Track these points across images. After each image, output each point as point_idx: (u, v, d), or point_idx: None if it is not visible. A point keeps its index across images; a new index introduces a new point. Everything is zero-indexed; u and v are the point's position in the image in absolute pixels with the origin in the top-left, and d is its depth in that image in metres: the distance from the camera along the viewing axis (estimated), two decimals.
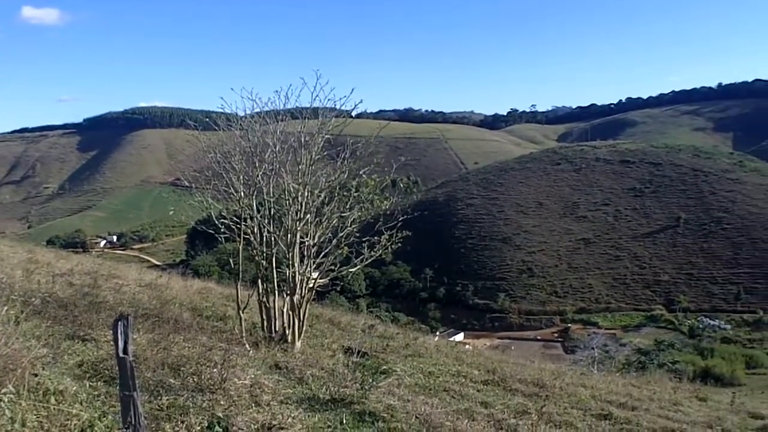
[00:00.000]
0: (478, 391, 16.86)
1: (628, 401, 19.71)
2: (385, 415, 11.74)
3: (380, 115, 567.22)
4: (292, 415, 10.74)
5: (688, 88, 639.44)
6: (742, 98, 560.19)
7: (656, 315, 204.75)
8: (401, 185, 23.80)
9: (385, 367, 14.89)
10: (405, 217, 18.75)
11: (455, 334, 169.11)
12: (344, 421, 11.20)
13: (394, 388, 14.38)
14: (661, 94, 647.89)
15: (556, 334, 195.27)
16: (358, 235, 17.81)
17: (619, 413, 17.23)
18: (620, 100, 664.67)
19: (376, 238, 17.84)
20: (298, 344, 16.87)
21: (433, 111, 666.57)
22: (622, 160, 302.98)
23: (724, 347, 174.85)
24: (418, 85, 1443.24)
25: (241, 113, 18.93)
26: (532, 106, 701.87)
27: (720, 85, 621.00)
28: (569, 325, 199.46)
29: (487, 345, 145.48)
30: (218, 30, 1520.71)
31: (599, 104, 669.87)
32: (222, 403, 10.35)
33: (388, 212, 18.37)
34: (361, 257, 17.90)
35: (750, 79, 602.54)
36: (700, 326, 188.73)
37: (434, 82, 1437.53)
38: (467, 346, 43.70)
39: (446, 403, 14.40)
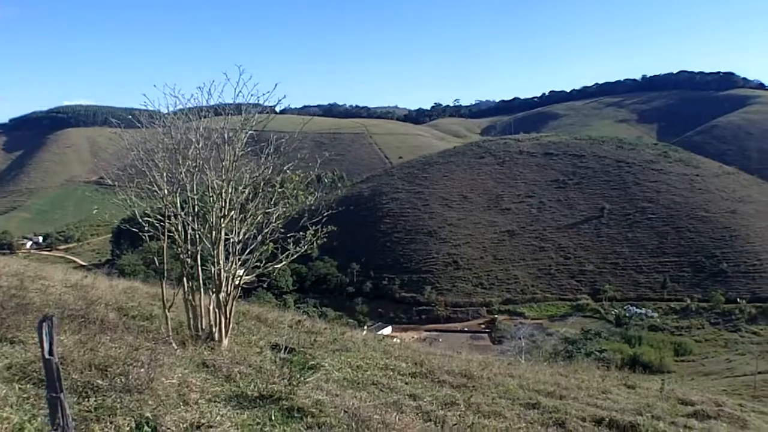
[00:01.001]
0: (406, 383, 16.88)
1: (556, 390, 19.83)
2: (314, 410, 11.73)
3: (305, 110, 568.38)
4: (221, 413, 10.73)
5: (613, 80, 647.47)
6: (667, 89, 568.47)
7: (582, 304, 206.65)
8: (325, 180, 23.81)
9: (312, 362, 14.83)
10: (330, 212, 18.72)
11: (383, 328, 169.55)
12: (273, 418, 11.18)
13: (323, 383, 14.36)
14: (584, 87, 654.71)
15: (483, 326, 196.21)
16: (283, 231, 17.73)
17: (547, 402, 17.35)
18: (543, 94, 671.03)
19: (301, 233, 17.79)
20: (225, 342, 16.75)
21: (357, 106, 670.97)
22: (546, 153, 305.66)
23: (652, 335, 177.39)
24: (343, 80, 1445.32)
25: (164, 110, 18.76)
26: (456, 100, 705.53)
27: (644, 77, 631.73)
28: (496, 316, 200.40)
29: (415, 338, 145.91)
30: (141, 27, 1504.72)
31: (522, 98, 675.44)
32: (150, 402, 10.28)
33: (313, 207, 18.33)
34: (287, 253, 17.82)
35: (675, 71, 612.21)
36: (627, 315, 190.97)
37: (359, 77, 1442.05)
38: (395, 340, 43.69)
39: (375, 396, 14.44)
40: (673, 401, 21.45)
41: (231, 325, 17.32)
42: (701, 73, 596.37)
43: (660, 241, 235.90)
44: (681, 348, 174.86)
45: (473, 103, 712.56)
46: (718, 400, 23.47)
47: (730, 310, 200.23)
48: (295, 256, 18.06)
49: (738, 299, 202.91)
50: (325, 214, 18.42)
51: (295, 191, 17.87)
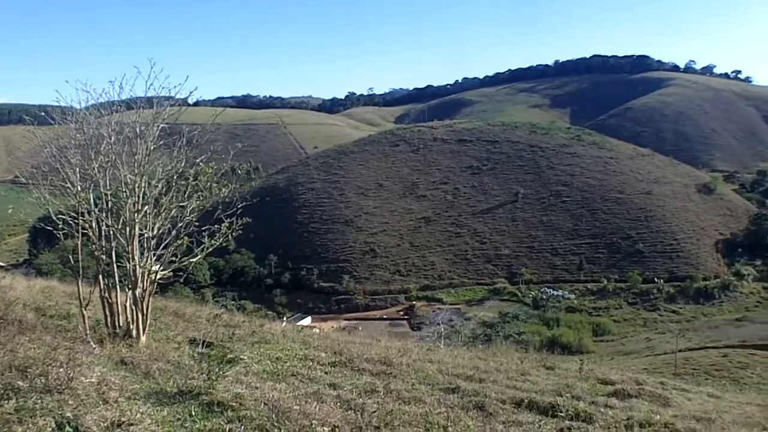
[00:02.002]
0: (326, 373, 17.01)
1: (475, 374, 20.06)
2: (234, 403, 11.76)
3: (218, 102, 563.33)
4: (141, 410, 10.72)
5: (525, 66, 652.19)
6: (580, 74, 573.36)
7: (499, 288, 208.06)
8: (239, 172, 23.72)
9: (231, 355, 14.83)
10: (244, 203, 18.70)
11: (302, 319, 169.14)
12: (193, 413, 11.19)
13: (242, 376, 14.40)
14: (497, 74, 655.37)
15: (401, 312, 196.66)
16: (197, 224, 17.69)
17: (466, 386, 17.55)
18: (457, 81, 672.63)
19: (216, 226, 17.76)
20: (143, 339, 16.68)
21: (271, 97, 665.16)
22: (459, 140, 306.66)
23: (570, 316, 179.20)
24: (257, 71, 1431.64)
25: (77, 106, 18.60)
26: (370, 89, 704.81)
27: (557, 62, 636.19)
28: (414, 302, 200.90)
29: (335, 327, 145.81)
30: (53, 21, 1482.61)
31: (435, 85, 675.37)
32: (70, 402, 10.26)
33: (227, 200, 18.30)
34: (202, 247, 17.77)
35: (588, 55, 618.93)
36: (544, 297, 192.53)
37: (273, 67, 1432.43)
38: (315, 330, 43.77)
39: (294, 387, 14.52)
40: (592, 381, 21.78)
41: (148, 322, 17.25)
42: (614, 56, 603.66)
43: (575, 223, 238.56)
44: (600, 328, 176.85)
45: (387, 91, 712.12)
46: (639, 379, 23.83)
47: (648, 289, 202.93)
48: (211, 249, 18.00)
49: (655, 279, 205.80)
50: (240, 206, 18.39)
51: (208, 184, 17.83)
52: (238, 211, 18.18)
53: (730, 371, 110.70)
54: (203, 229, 17.69)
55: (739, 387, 50.37)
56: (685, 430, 15.80)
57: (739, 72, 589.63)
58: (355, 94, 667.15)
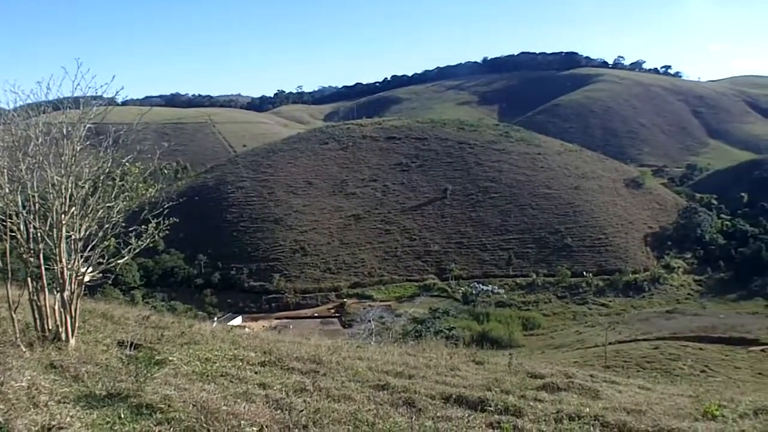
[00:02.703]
0: (255, 373, 17.02)
1: (404, 370, 20.12)
2: (163, 405, 11.78)
3: (147, 101, 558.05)
4: (71, 414, 10.72)
5: (454, 63, 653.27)
6: (508, 71, 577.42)
7: (429, 284, 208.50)
8: (165, 171, 23.62)
9: (159, 357, 14.85)
10: (171, 203, 18.66)
11: (233, 319, 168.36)
12: (122, 416, 11.21)
13: (171, 377, 14.41)
14: (426, 71, 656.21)
15: (332, 310, 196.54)
16: (125, 225, 17.64)
17: (396, 382, 17.64)
18: (385, 79, 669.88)
19: (143, 227, 17.71)
20: (72, 341, 16.59)
21: (200, 95, 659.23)
22: (388, 137, 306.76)
23: (500, 311, 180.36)
24: (186, 69, 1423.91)
25: (4, 106, 18.49)
26: (299, 87, 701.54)
27: (485, 59, 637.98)
28: (345, 300, 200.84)
29: (266, 327, 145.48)
30: None
31: (365, 83, 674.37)
32: (1, 407, 10.22)
33: (154, 200, 18.26)
34: (130, 247, 17.71)
35: (516, 53, 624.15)
36: (474, 292, 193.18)
37: (202, 66, 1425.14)
38: (246, 330, 43.62)
39: (224, 387, 14.56)
40: (522, 375, 21.77)
41: (77, 324, 17.15)
42: (543, 53, 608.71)
43: (503, 219, 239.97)
44: (529, 322, 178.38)
45: (316, 89, 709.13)
46: (568, 372, 23.87)
47: (577, 283, 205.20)
48: (138, 250, 17.95)
49: (584, 273, 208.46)
50: (167, 206, 18.37)
51: (135, 184, 17.77)
52: (165, 211, 18.14)
53: (661, 363, 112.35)
54: (130, 230, 17.63)
55: (670, 379, 50.64)
56: (615, 422, 15.89)
57: (669, 67, 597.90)
58: (284, 92, 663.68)
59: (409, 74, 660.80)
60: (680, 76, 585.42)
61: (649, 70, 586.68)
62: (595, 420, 15.86)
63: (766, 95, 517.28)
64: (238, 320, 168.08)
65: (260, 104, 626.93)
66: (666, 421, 16.34)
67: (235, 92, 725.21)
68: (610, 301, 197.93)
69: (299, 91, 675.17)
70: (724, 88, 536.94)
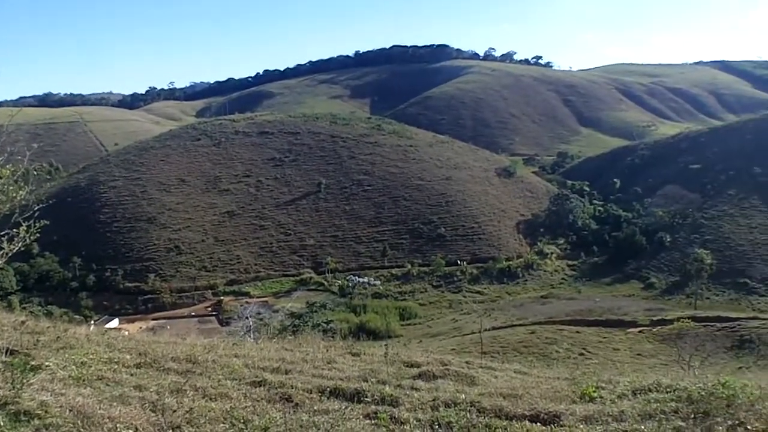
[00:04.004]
0: (131, 375, 16.97)
1: (281, 365, 20.20)
2: (40, 411, 11.71)
3: (21, 101, 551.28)
4: None
5: (326, 57, 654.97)
6: (380, 64, 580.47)
7: (306, 279, 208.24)
8: (36, 173, 23.31)
9: (35, 363, 14.72)
10: (41, 206, 18.45)
11: (109, 321, 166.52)
12: (1, 424, 11.10)
13: (47, 383, 14.27)
14: (298, 65, 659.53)
15: (209, 309, 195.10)
16: None
17: (273, 378, 17.74)
18: (258, 73, 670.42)
19: (15, 230, 17.48)
20: None
21: (72, 94, 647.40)
22: (261, 132, 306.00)
23: (377, 302, 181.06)
24: (59, 69, 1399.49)
25: None
26: (171, 83, 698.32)
27: (357, 53, 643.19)
28: (222, 297, 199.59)
29: (143, 328, 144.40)
30: None
31: (237, 78, 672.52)
32: None
33: (24, 202, 18.04)
34: (2, 252, 17.49)
35: (388, 46, 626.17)
36: (350, 285, 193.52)
37: (74, 65, 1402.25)
38: (123, 332, 43.24)
39: (100, 391, 14.48)
40: (398, 365, 21.97)
41: None
42: (414, 46, 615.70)
43: (377, 211, 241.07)
44: (406, 312, 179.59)
45: (188, 85, 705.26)
46: (444, 360, 24.21)
47: (452, 272, 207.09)
48: (10, 254, 17.70)
49: (458, 261, 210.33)
50: (37, 208, 18.14)
51: (5, 187, 17.53)
52: (36, 214, 17.93)
53: (538, 347, 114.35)
54: (2, 234, 17.41)
55: (547, 362, 51.30)
56: (492, 407, 16.10)
57: (540, 57, 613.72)
58: (155, 88, 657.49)
59: (282, 69, 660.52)
60: (551, 66, 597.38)
61: (520, 61, 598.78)
62: (471, 406, 16.04)
63: (639, 82, 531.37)
64: (114, 323, 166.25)
65: (132, 102, 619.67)
66: (543, 404, 16.59)
67: (107, 90, 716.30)
68: (485, 289, 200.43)
69: (171, 87, 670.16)
70: (596, 76, 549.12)
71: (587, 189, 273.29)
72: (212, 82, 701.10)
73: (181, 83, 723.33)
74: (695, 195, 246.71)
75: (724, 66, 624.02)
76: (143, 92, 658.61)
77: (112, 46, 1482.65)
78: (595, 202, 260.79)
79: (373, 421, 14.76)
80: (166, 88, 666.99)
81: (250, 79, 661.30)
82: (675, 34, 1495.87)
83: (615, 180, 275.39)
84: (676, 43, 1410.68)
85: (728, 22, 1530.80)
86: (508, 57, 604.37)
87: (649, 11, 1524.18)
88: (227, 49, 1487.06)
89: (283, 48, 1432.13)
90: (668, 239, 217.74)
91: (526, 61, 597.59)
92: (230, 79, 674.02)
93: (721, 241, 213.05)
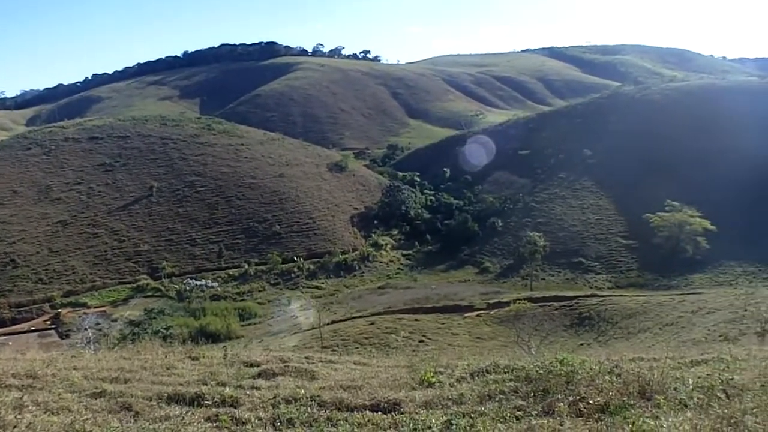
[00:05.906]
0: None
1: (120, 375, 20.25)
2: None
3: None
4: None
5: (155, 59, 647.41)
6: (209, 64, 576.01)
7: (143, 285, 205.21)
8: None
9: None
10: None
11: None
12: None
13: None
14: (126, 68, 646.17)
15: (48, 322, 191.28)
16: None
17: (112, 388, 17.82)
18: (87, 78, 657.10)
19: None
20: None
21: None
22: (91, 137, 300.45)
23: (215, 304, 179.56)
24: None
25: None
26: (1, 92, 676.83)
27: (186, 53, 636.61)
28: (60, 310, 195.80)
29: None
30: None
31: (66, 84, 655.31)
32: None
33: None
34: None
35: (217, 45, 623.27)
36: (188, 288, 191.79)
37: None
38: None
39: None
40: (238, 365, 22.28)
41: None
42: (243, 45, 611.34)
43: (211, 212, 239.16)
44: (245, 312, 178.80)
45: (18, 93, 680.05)
46: (284, 357, 24.49)
47: (289, 269, 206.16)
48: None
49: (295, 258, 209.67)
50: None
51: None
52: None
53: (378, 337, 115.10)
54: None
55: (387, 352, 51.93)
56: (332, 400, 16.58)
57: (368, 52, 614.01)
58: None
59: (110, 72, 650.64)
60: (379, 60, 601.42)
61: (348, 56, 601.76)
62: (312, 401, 16.54)
63: (466, 73, 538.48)
64: None
65: None
66: (383, 393, 17.14)
67: None
68: (323, 283, 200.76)
69: (2, 97, 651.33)
70: (423, 69, 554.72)
71: (418, 179, 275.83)
72: (42, 89, 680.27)
73: (11, 92, 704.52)
74: (525, 180, 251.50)
75: (552, 53, 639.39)
76: None
77: None
78: (426, 191, 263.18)
79: (214, 424, 15.07)
80: None
81: (78, 84, 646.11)
82: (503, 25, 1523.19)
83: (445, 169, 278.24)
84: (505, 33, 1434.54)
85: (557, 9, 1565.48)
86: (336, 52, 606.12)
87: (475, 2, 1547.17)
88: (56, 55, 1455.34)
89: (112, 51, 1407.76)
90: (500, 224, 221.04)
91: (355, 56, 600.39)
92: (60, 85, 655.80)
93: (554, 222, 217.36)
